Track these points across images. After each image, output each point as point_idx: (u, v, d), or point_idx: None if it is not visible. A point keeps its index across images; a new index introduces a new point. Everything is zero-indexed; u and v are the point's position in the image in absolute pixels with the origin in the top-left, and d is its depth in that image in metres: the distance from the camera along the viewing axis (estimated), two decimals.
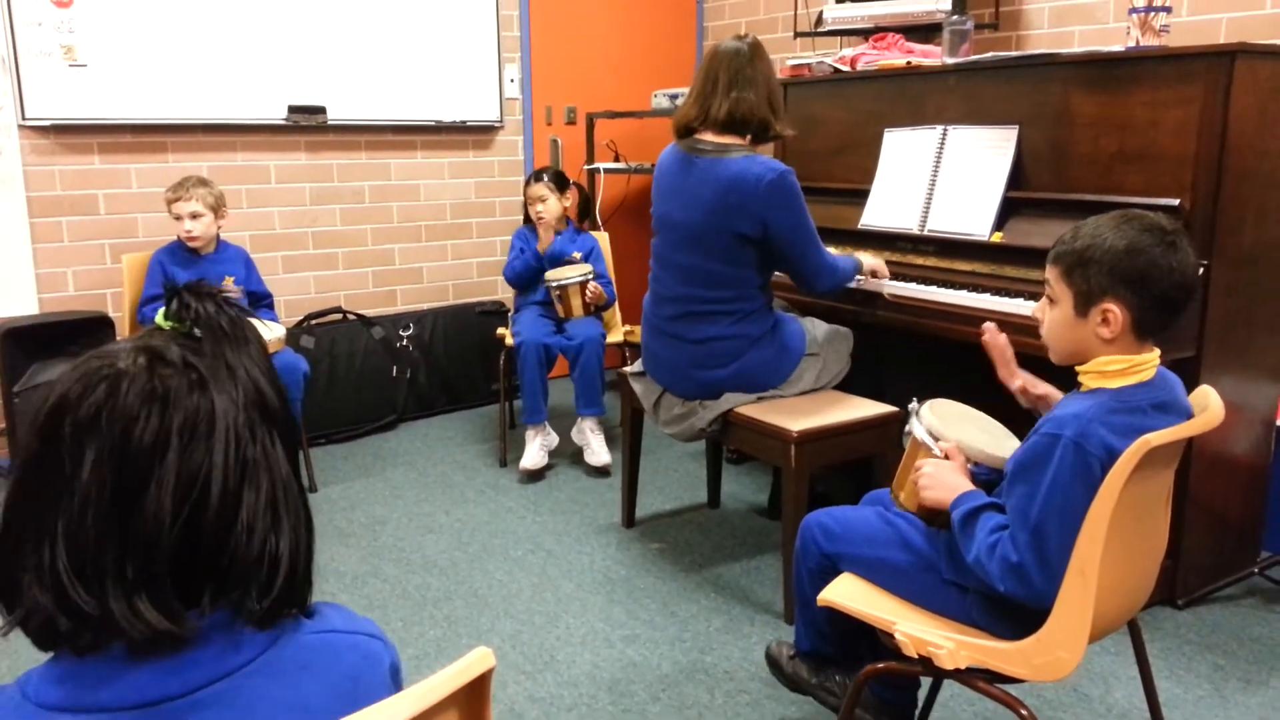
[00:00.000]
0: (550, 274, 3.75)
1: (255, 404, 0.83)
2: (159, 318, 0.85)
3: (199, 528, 0.78)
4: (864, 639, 1.93)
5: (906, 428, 1.83)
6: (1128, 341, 1.57)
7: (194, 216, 3.41)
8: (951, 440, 1.73)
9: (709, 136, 2.63)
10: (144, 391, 0.78)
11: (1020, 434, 1.71)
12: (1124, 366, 1.56)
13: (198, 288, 0.86)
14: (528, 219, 4.01)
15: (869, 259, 2.91)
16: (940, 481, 1.68)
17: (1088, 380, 1.60)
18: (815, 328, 2.83)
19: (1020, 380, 1.85)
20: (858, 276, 2.87)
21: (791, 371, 2.73)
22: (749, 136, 2.63)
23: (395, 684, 0.92)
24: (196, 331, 0.84)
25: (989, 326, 1.87)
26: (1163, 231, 1.53)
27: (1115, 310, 1.54)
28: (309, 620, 0.89)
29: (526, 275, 3.85)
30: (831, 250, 2.79)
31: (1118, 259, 1.53)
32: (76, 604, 0.76)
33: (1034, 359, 1.90)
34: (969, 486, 1.65)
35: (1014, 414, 1.92)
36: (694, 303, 2.66)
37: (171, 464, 0.77)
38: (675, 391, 2.79)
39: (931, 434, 1.75)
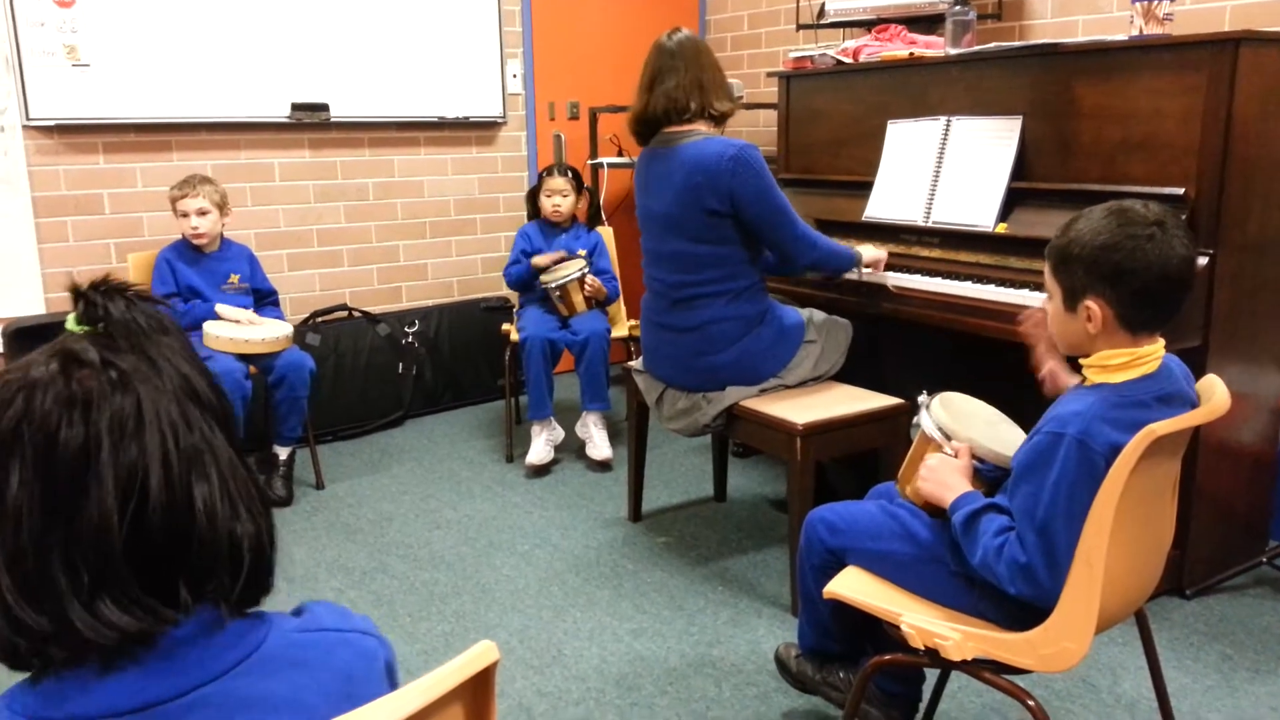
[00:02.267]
0: (546, 275, 3.74)
1: (185, 392, 0.80)
2: (69, 322, 0.82)
3: (151, 523, 0.76)
4: (868, 636, 1.93)
5: (915, 420, 1.83)
6: (1119, 336, 1.56)
7: (201, 213, 3.42)
8: (964, 439, 1.72)
9: (666, 129, 2.71)
10: (62, 397, 0.75)
11: (1027, 428, 1.70)
12: (1126, 360, 1.55)
13: (104, 285, 0.82)
14: (533, 213, 4.01)
15: (870, 251, 2.91)
16: (939, 479, 1.68)
17: (1091, 374, 1.59)
18: (814, 316, 2.83)
19: (1050, 365, 1.82)
20: (857, 269, 2.88)
21: (791, 357, 2.73)
22: (705, 121, 2.69)
23: (391, 681, 0.92)
24: (105, 328, 0.81)
25: (1028, 314, 1.85)
26: (1144, 224, 1.51)
27: (1095, 307, 1.54)
28: (299, 618, 0.88)
29: (524, 283, 3.87)
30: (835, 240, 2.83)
31: (1094, 256, 1.53)
32: (29, 626, 0.74)
33: None
34: (967, 487, 1.65)
35: (1020, 407, 1.92)
36: (685, 288, 2.69)
37: (106, 465, 0.75)
38: (678, 385, 2.79)
39: (943, 430, 1.75)
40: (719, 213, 2.60)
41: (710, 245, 2.64)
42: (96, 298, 0.81)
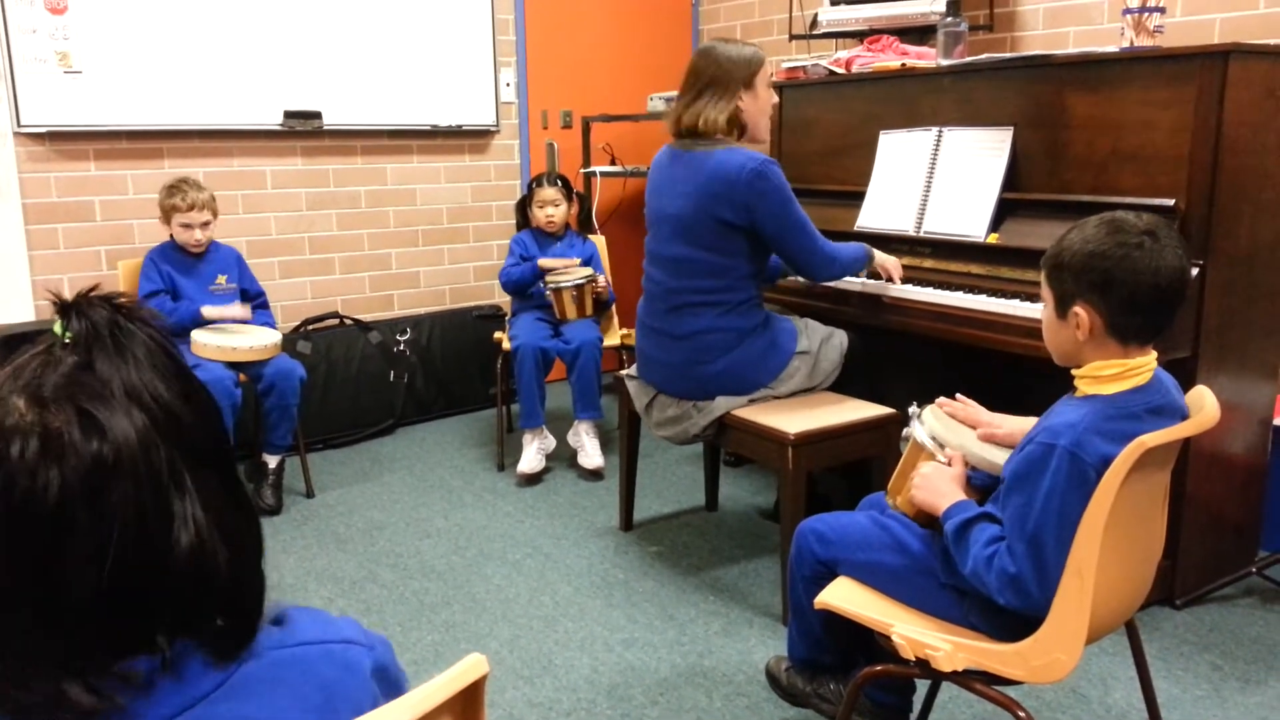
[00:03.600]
0: (549, 276, 3.75)
1: (165, 427, 0.75)
2: (56, 328, 0.77)
3: (128, 577, 0.72)
4: (860, 646, 1.93)
5: (906, 430, 1.83)
6: (1109, 345, 1.57)
7: (204, 225, 3.42)
8: (956, 447, 1.72)
9: (695, 134, 2.70)
10: (39, 447, 0.70)
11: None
12: (1117, 371, 1.56)
13: (88, 299, 0.77)
14: (523, 223, 4.01)
15: (885, 255, 2.91)
16: (933, 487, 1.68)
17: (1082, 386, 1.60)
18: (808, 328, 2.84)
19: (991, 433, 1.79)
20: (868, 269, 2.90)
21: (782, 369, 2.73)
22: (734, 133, 2.69)
23: (386, 683, 0.89)
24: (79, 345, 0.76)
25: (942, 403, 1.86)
26: (1134, 233, 1.52)
27: (1082, 314, 1.55)
28: (279, 632, 0.84)
29: (523, 285, 3.85)
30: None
31: (1083, 263, 1.54)
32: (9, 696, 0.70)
33: (1035, 360, 1.91)
34: (960, 496, 1.65)
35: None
36: (683, 294, 2.69)
37: (82, 520, 0.70)
38: (668, 391, 2.80)
39: (935, 439, 1.75)
40: (732, 224, 2.60)
41: (716, 255, 2.64)
42: (81, 311, 0.76)
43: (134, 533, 0.72)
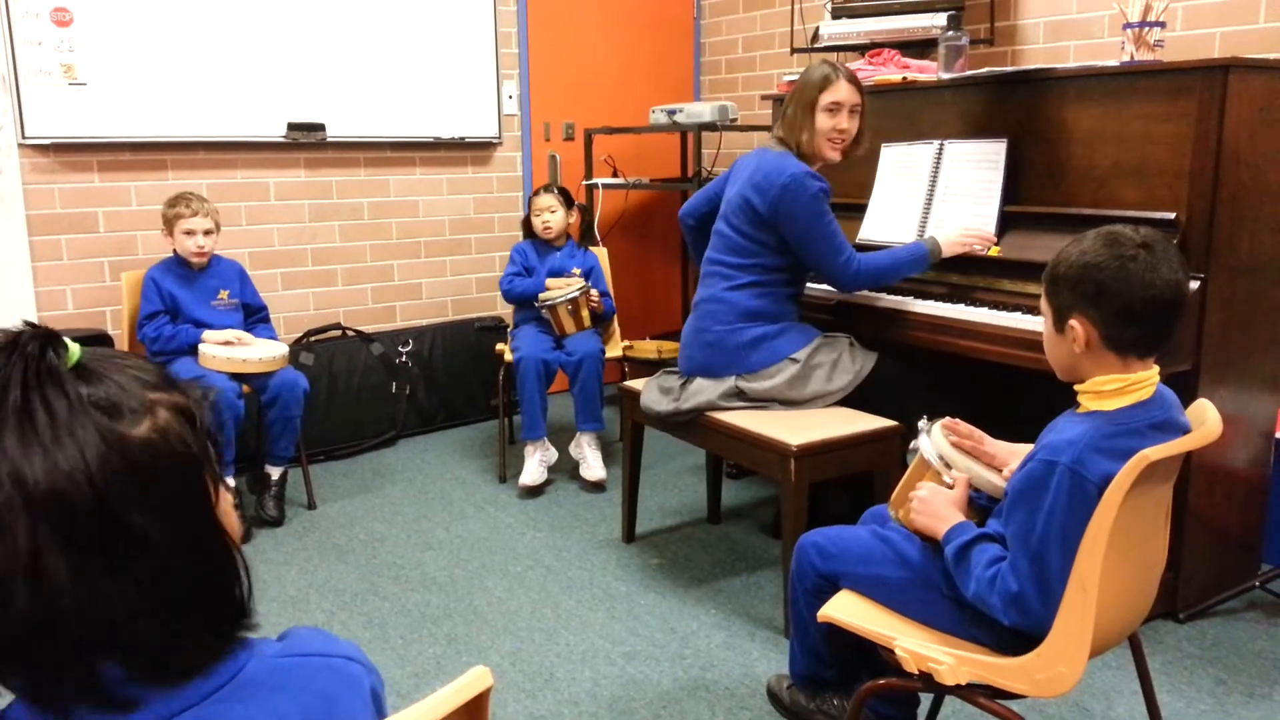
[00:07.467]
0: (543, 295, 3.76)
1: (105, 471, 0.72)
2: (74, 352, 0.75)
3: (41, 609, 0.71)
4: (862, 660, 1.93)
5: (913, 444, 1.82)
6: (1107, 358, 1.57)
7: (207, 233, 3.43)
8: (963, 468, 1.72)
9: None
10: None
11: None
12: (1119, 386, 1.56)
13: (21, 338, 0.74)
14: (528, 234, 4.03)
15: (952, 234, 2.81)
16: (931, 510, 1.69)
17: (1085, 401, 1.60)
18: (821, 343, 2.79)
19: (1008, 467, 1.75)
20: (933, 262, 2.81)
21: (764, 366, 2.75)
22: (794, 147, 2.82)
23: (378, 709, 0.90)
24: None
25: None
26: (1130, 245, 1.52)
27: (1077, 326, 1.56)
28: (282, 644, 0.86)
29: (526, 298, 3.86)
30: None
31: (1076, 274, 1.55)
32: None
33: (1038, 374, 1.91)
34: (959, 518, 1.65)
35: (1012, 430, 1.92)
36: (711, 264, 2.87)
37: None
38: (680, 365, 2.92)
39: (943, 459, 1.74)
40: (761, 215, 2.73)
41: (743, 238, 2.79)
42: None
43: (30, 572, 0.70)
